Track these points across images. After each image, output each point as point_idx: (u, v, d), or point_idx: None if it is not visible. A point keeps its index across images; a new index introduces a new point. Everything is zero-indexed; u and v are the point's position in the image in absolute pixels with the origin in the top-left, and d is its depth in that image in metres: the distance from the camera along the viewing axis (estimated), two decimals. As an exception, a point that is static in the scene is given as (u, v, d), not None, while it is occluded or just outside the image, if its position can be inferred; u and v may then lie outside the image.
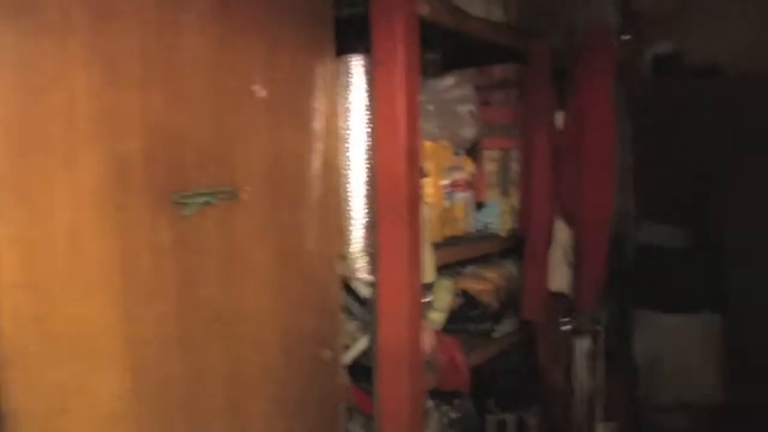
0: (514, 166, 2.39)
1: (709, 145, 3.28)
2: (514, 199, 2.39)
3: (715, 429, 3.35)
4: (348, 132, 1.81)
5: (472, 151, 2.31)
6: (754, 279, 3.24)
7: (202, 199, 1.42)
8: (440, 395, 2.19)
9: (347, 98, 1.81)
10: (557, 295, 2.43)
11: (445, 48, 2.17)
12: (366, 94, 1.79)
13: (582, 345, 2.51)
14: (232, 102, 1.50)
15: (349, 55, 1.80)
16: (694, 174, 3.29)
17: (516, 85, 2.39)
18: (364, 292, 1.84)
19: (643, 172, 2.51)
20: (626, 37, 2.57)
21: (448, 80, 2.12)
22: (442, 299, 2.12)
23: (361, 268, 1.82)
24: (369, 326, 1.85)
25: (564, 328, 2.48)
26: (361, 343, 1.89)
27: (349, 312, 1.92)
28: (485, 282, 2.35)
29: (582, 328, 2.44)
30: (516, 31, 2.30)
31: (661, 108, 3.07)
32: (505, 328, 2.40)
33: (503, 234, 2.38)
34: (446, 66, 2.24)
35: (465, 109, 2.14)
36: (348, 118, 1.81)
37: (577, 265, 2.33)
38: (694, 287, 3.32)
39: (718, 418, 3.34)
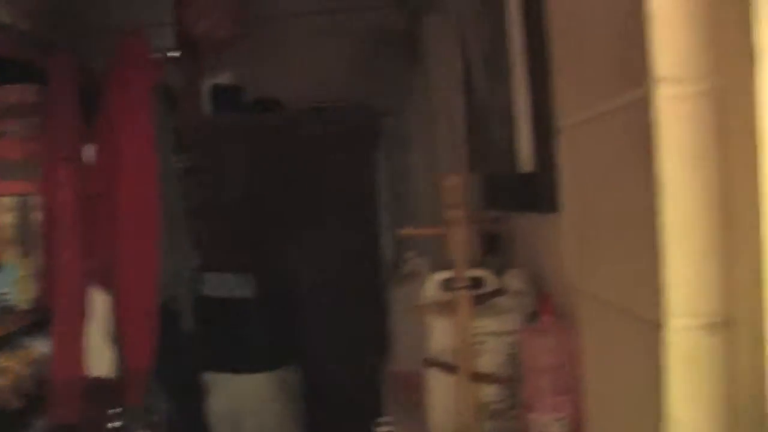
0: (37, 217, 1.83)
1: (267, 183, 2.98)
2: (39, 259, 1.83)
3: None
4: None
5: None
6: (323, 325, 2.99)
7: None
8: None
9: None
10: (101, 382, 1.89)
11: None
12: None
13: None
14: None
15: None
16: (256, 216, 2.96)
17: (36, 111, 1.84)
18: None
19: (199, 217, 2.08)
20: (174, 54, 2.13)
21: None
22: None
23: None
24: None
25: (112, 425, 1.92)
26: None
27: None
28: (4, 374, 1.76)
29: (135, 421, 1.91)
30: (32, 40, 1.77)
31: (218, 143, 2.70)
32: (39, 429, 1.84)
33: (25, 306, 1.85)
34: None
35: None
36: None
37: (119, 345, 1.81)
38: (268, 340, 2.97)
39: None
